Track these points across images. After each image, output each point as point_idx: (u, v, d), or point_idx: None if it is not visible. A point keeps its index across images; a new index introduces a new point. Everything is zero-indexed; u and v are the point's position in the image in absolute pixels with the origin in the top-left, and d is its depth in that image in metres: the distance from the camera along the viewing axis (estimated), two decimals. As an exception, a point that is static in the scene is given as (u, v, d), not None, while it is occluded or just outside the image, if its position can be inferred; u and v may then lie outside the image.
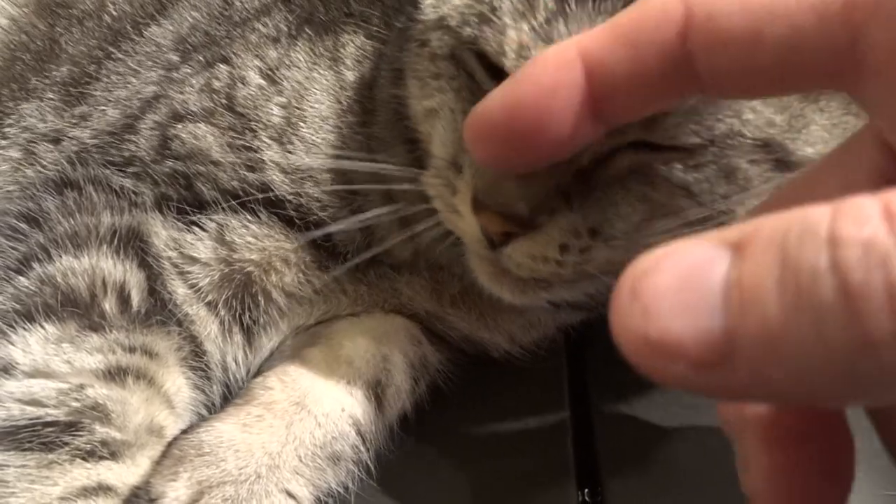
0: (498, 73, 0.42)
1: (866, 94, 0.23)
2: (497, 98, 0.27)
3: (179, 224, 0.52)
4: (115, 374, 0.44)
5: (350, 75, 0.54)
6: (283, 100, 0.53)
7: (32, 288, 0.48)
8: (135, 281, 0.50)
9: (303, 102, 0.53)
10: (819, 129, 0.40)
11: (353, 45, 0.55)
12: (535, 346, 0.58)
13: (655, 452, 0.51)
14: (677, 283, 0.19)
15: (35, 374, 0.44)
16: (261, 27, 0.57)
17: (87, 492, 0.40)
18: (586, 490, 0.49)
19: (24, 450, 0.41)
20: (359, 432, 0.48)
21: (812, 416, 0.24)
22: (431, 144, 0.47)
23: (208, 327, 0.52)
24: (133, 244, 0.51)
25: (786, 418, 0.24)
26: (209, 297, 0.52)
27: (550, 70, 0.26)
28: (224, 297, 0.52)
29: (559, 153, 0.28)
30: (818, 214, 0.18)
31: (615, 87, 0.26)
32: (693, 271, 0.19)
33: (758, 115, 0.38)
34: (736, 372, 0.19)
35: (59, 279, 0.48)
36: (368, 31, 0.56)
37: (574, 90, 0.26)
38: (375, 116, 0.53)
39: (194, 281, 0.52)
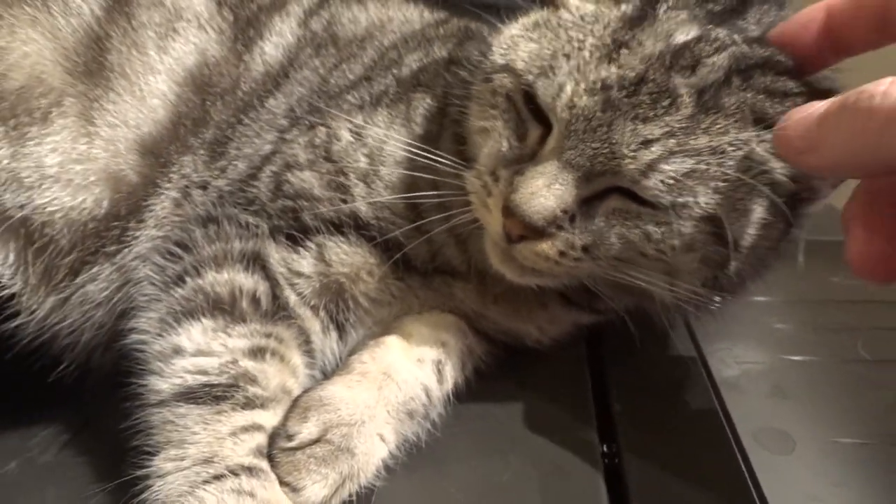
0: (539, 116, 0.58)
1: None
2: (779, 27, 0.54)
3: (288, 247, 0.68)
4: (256, 353, 0.60)
5: (419, 130, 0.71)
6: (367, 150, 0.70)
7: (189, 295, 0.64)
8: (262, 289, 0.65)
9: (383, 151, 0.69)
10: (756, 219, 0.56)
11: (423, 108, 0.71)
12: (559, 338, 0.74)
13: (660, 412, 0.66)
14: (803, 112, 0.45)
15: (199, 354, 0.60)
16: (350, 98, 0.74)
17: (245, 429, 0.56)
18: (604, 445, 0.63)
19: (199, 403, 0.57)
20: (427, 395, 0.64)
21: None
22: (479, 153, 0.63)
23: (313, 325, 0.68)
24: (257, 262, 0.67)
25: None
26: (312, 302, 0.68)
27: (808, 13, 0.52)
28: (323, 302, 0.68)
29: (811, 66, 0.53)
30: (873, 85, 0.41)
31: (842, 26, 0.50)
32: (812, 109, 0.44)
33: (713, 204, 0.54)
34: (819, 156, 0.44)
35: (208, 289, 0.64)
36: (434, 95, 0.72)
37: (818, 24, 0.51)
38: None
39: (300, 290, 0.68)
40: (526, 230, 0.56)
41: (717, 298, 0.61)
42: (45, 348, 0.72)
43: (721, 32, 0.55)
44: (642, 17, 0.57)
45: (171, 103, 0.73)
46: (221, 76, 0.76)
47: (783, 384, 0.68)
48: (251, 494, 0.52)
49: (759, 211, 0.56)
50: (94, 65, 0.71)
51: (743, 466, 0.57)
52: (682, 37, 0.55)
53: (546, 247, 0.57)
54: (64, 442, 0.67)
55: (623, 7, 0.58)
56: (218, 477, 0.52)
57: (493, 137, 0.61)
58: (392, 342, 0.67)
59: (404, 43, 0.80)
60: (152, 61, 0.73)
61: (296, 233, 0.69)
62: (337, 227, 0.69)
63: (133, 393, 0.60)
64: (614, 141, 0.53)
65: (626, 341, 0.75)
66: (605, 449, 0.62)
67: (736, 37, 0.56)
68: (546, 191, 0.55)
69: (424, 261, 0.70)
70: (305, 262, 0.68)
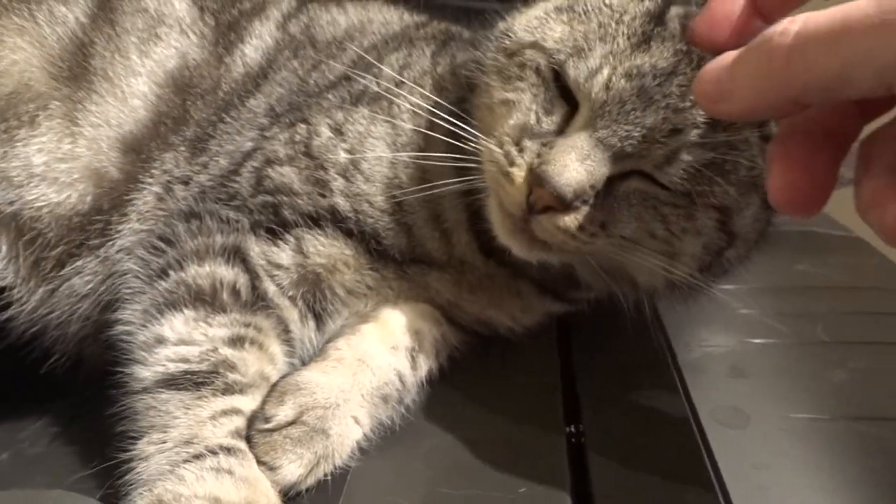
0: (565, 94, 0.61)
1: None
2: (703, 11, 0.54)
3: (268, 240, 0.71)
4: (236, 341, 0.63)
5: (407, 126, 0.73)
6: (348, 146, 0.72)
7: (172, 288, 0.66)
8: (242, 281, 0.68)
9: (364, 146, 0.72)
10: (749, 215, 0.61)
11: (408, 104, 0.73)
12: (531, 326, 0.77)
13: (624, 394, 0.68)
14: (717, 62, 0.45)
15: (181, 343, 0.62)
16: (330, 97, 0.76)
17: (225, 413, 0.58)
18: (571, 426, 0.65)
19: (181, 389, 0.59)
20: (401, 381, 0.67)
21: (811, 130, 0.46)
22: (499, 124, 0.63)
23: (292, 314, 0.70)
24: (237, 256, 0.69)
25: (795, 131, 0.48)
26: (290, 293, 0.70)
27: None
28: (301, 292, 0.71)
29: (737, 40, 0.51)
30: (772, 26, 0.42)
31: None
32: (724, 58, 0.45)
33: (723, 193, 0.59)
34: (732, 102, 0.45)
35: (190, 281, 0.67)
36: (422, 92, 0.74)
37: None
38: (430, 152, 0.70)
39: (279, 281, 0.70)
40: (555, 201, 0.58)
41: (710, 282, 0.65)
42: (37, 341, 0.75)
43: None
44: (664, 13, 0.60)
45: (151, 103, 0.76)
46: (202, 77, 0.79)
47: (743, 365, 0.70)
48: (229, 472, 0.54)
49: (755, 205, 0.61)
50: (78, 69, 0.74)
51: (699, 440, 0.60)
52: None
53: (569, 220, 0.59)
54: (54, 434, 0.70)
55: (647, 3, 0.61)
56: (198, 456, 0.55)
57: (521, 109, 0.62)
58: (367, 330, 0.70)
59: (384, 44, 0.83)
60: (134, 64, 0.76)
61: (275, 227, 0.71)
62: (315, 220, 0.71)
63: (119, 382, 0.63)
64: (647, 126, 0.56)
65: (595, 329, 0.78)
66: (571, 430, 0.65)
67: None
68: (579, 164, 0.57)
69: (402, 252, 0.72)
70: (284, 254, 0.71)
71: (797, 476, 0.57)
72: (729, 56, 0.46)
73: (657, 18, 0.60)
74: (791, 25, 0.41)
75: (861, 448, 0.59)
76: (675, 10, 0.61)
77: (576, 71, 0.59)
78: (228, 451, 0.56)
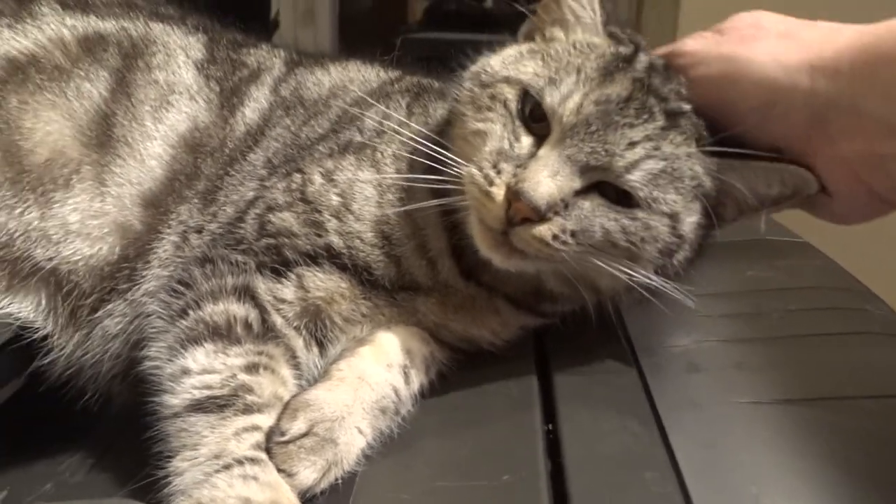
0: (527, 121, 0.72)
1: None
2: None
3: (273, 279, 0.80)
4: (251, 368, 0.72)
5: (389, 170, 0.83)
6: (338, 190, 0.82)
7: (192, 325, 0.75)
8: (253, 315, 0.77)
9: (353, 189, 0.82)
10: (693, 221, 0.74)
11: (390, 151, 0.84)
12: (510, 339, 0.86)
13: (593, 393, 0.77)
14: None
15: (203, 372, 0.71)
16: (320, 148, 0.87)
17: (246, 430, 0.67)
18: (548, 425, 0.74)
19: (207, 412, 0.68)
20: (396, 394, 0.76)
21: None
22: (475, 152, 0.74)
23: (297, 342, 0.79)
24: (247, 294, 0.79)
25: None
26: (295, 324, 0.80)
27: None
28: (304, 322, 0.80)
29: None
30: None
31: None
32: None
33: (673, 201, 0.71)
34: None
35: (207, 318, 0.75)
36: (401, 140, 0.84)
37: None
38: (413, 192, 0.82)
39: (285, 314, 0.80)
40: (531, 213, 0.68)
41: (667, 283, 0.75)
42: (72, 381, 0.84)
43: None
44: (632, 58, 0.75)
45: (166, 163, 0.86)
46: (210, 137, 0.90)
47: (697, 361, 0.80)
48: (255, 478, 0.64)
49: (697, 212, 0.73)
50: (103, 137, 0.85)
51: (657, 426, 0.69)
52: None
53: (544, 229, 0.69)
54: (91, 464, 0.79)
55: (621, 48, 0.76)
56: (226, 467, 0.64)
57: (494, 137, 0.74)
58: (364, 352, 0.79)
59: (364, 100, 0.94)
60: (149, 130, 0.87)
61: (278, 266, 0.81)
62: (313, 258, 0.81)
63: (151, 410, 0.72)
64: (608, 142, 0.69)
65: (568, 338, 0.88)
66: (549, 427, 0.74)
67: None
68: (551, 180, 0.69)
69: (392, 281, 0.82)
70: (288, 290, 0.80)
71: (739, 451, 0.66)
72: None
73: (628, 58, 0.74)
74: None
75: (792, 425, 0.69)
76: (643, 56, 0.75)
77: (551, 98, 0.72)
78: (252, 461, 0.65)
